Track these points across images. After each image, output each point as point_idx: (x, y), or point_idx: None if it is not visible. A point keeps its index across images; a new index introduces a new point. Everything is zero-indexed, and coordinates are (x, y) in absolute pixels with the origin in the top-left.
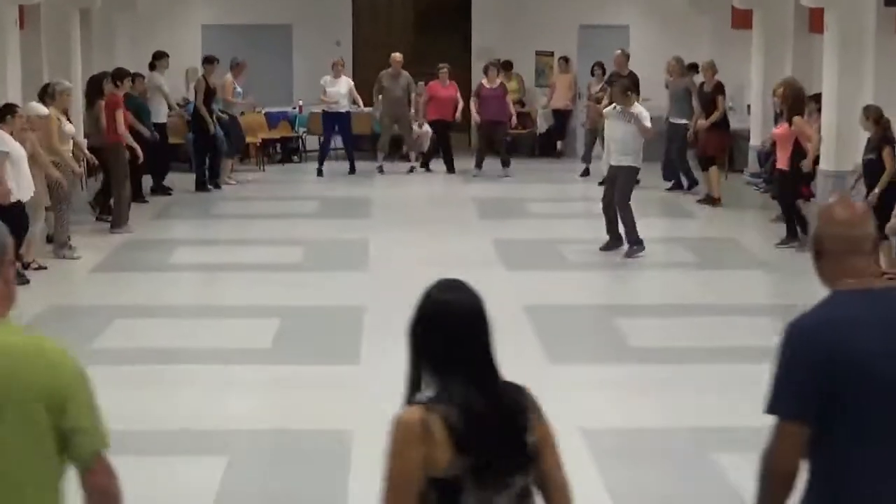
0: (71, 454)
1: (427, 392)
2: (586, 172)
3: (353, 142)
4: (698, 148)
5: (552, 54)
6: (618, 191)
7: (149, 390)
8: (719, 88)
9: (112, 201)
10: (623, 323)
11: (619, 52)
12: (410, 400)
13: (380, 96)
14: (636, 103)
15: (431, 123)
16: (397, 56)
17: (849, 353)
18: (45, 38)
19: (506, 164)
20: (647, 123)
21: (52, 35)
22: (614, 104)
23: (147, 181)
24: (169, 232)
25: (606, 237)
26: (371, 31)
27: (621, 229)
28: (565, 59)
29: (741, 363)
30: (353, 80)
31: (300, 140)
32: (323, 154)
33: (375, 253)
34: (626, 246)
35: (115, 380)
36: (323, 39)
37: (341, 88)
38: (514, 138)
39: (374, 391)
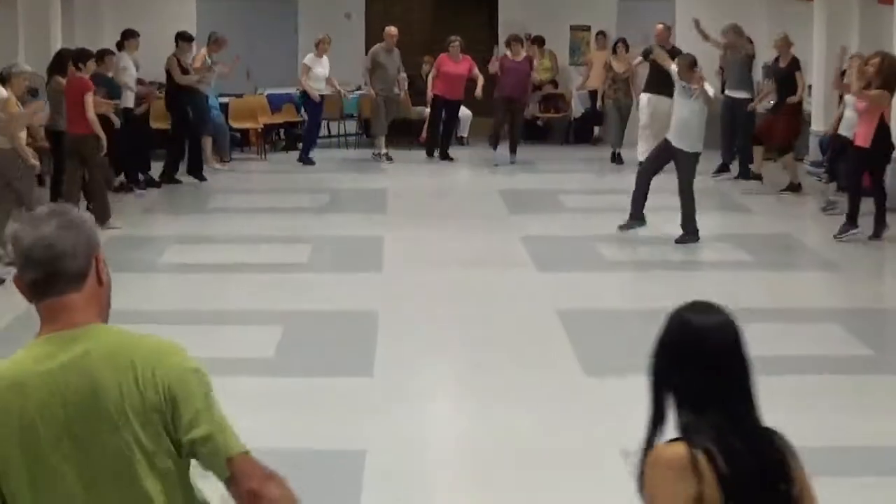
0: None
1: (676, 429)
2: (617, 158)
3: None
4: (765, 132)
5: (588, 29)
6: (679, 178)
7: None
8: (796, 64)
9: (82, 195)
10: None
11: (660, 25)
12: (653, 436)
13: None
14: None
15: (436, 101)
16: (392, 30)
17: None
18: (23, 14)
19: (513, 149)
20: (711, 94)
21: (30, 10)
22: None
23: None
24: (159, 228)
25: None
26: (386, 3)
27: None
28: (603, 35)
29: (806, 374)
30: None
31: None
32: (312, 141)
33: (391, 252)
34: (634, 224)
35: None
36: (332, 12)
37: (324, 69)
38: (546, 122)
39: (388, 407)
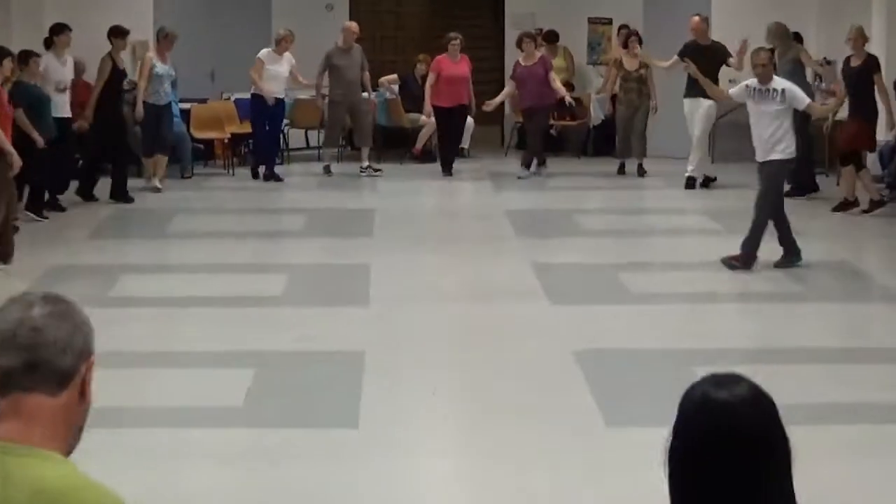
0: None
1: None
2: (640, 169)
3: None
4: (841, 140)
5: (610, 22)
6: (764, 190)
7: (86, 460)
8: (875, 64)
9: None
10: (704, 373)
11: (696, 17)
12: None
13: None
14: (774, 77)
15: (438, 111)
16: (352, 25)
17: None
18: None
19: (541, 161)
20: (803, 97)
21: None
22: (747, 83)
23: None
24: (109, 255)
25: (721, 258)
26: None
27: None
28: (627, 29)
29: (861, 423)
30: None
31: (282, 135)
32: (271, 151)
33: (379, 282)
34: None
35: None
36: (311, 3)
37: (282, 68)
38: (561, 131)
39: (376, 464)
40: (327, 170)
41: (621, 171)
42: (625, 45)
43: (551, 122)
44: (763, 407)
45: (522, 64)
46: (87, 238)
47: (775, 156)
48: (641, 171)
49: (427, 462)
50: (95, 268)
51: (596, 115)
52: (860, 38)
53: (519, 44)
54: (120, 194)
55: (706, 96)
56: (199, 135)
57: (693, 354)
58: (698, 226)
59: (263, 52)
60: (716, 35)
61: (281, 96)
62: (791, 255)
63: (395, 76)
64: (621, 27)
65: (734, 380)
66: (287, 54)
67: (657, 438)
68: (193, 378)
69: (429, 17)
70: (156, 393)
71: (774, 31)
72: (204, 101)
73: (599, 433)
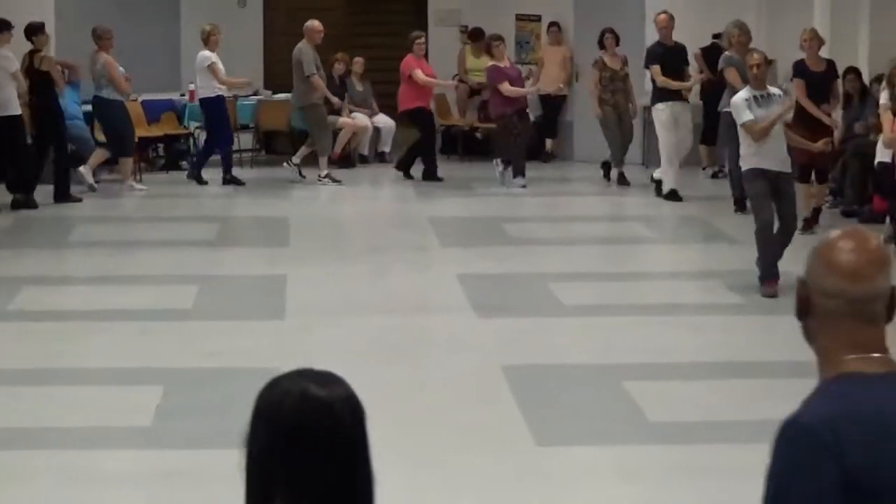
0: None
1: None
2: (621, 179)
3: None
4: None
5: (539, 19)
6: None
7: None
8: (834, 69)
9: None
10: (636, 388)
11: (665, 14)
12: None
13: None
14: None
15: (412, 114)
16: (315, 24)
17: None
18: None
19: (512, 166)
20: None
21: None
22: (744, 97)
23: None
24: (8, 266)
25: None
26: None
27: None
28: (557, 27)
29: None
30: (265, 55)
31: (192, 138)
32: (217, 151)
33: (296, 295)
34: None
35: None
36: None
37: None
38: (486, 135)
39: None
40: (325, 179)
41: (623, 180)
42: (601, 45)
43: (477, 124)
44: (358, 410)
45: (501, 66)
46: None
47: (789, 168)
48: (624, 180)
49: None
50: None
51: None
52: (815, 40)
53: (488, 48)
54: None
55: (664, 100)
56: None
57: (626, 370)
58: (633, 234)
59: (206, 54)
60: (650, 31)
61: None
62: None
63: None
64: (551, 25)
65: (333, 379)
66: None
67: (588, 456)
68: (99, 396)
69: (347, 14)
70: (59, 412)
71: (737, 33)
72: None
73: (529, 452)
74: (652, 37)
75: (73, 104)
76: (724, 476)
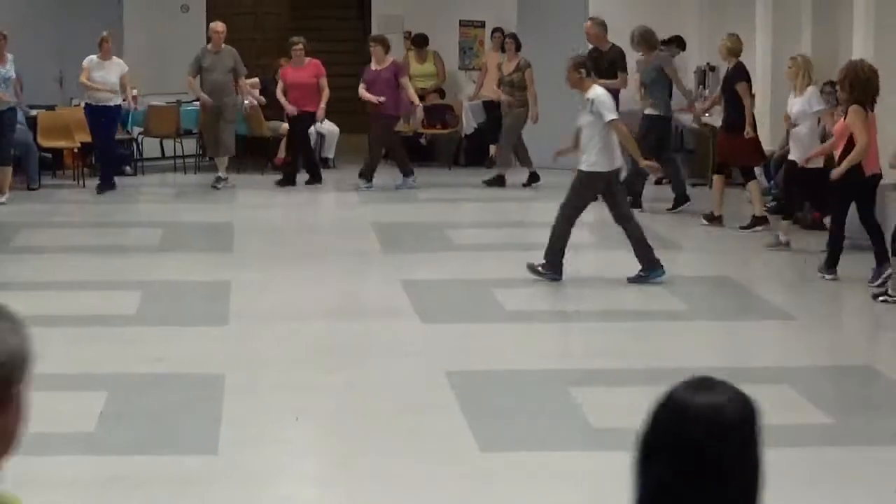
0: None
1: None
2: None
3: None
4: (720, 153)
5: (483, 25)
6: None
7: None
8: (742, 73)
9: None
10: (581, 394)
11: (589, 21)
12: None
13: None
14: (594, 85)
15: (288, 118)
16: (216, 25)
17: None
18: None
19: (408, 172)
20: (608, 113)
21: None
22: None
23: None
24: None
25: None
26: None
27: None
28: (501, 33)
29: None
30: None
31: (135, 144)
32: (106, 160)
33: (239, 300)
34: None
35: None
36: (166, 3)
37: (110, 74)
38: (431, 140)
39: (238, 491)
40: (221, 182)
41: (535, 179)
42: (502, 49)
43: (421, 130)
44: (727, 417)
45: (373, 68)
46: None
47: (581, 166)
48: (534, 178)
49: (292, 490)
50: None
51: (468, 122)
52: (729, 46)
53: (372, 47)
54: None
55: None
56: (46, 144)
57: (570, 375)
58: (574, 239)
59: (89, 59)
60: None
61: (109, 104)
62: (649, 270)
63: (256, 80)
64: (495, 30)
65: (709, 385)
66: (117, 59)
67: (532, 462)
68: (41, 402)
69: (289, 19)
70: None
71: (638, 36)
72: (52, 107)
73: (473, 458)
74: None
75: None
76: None
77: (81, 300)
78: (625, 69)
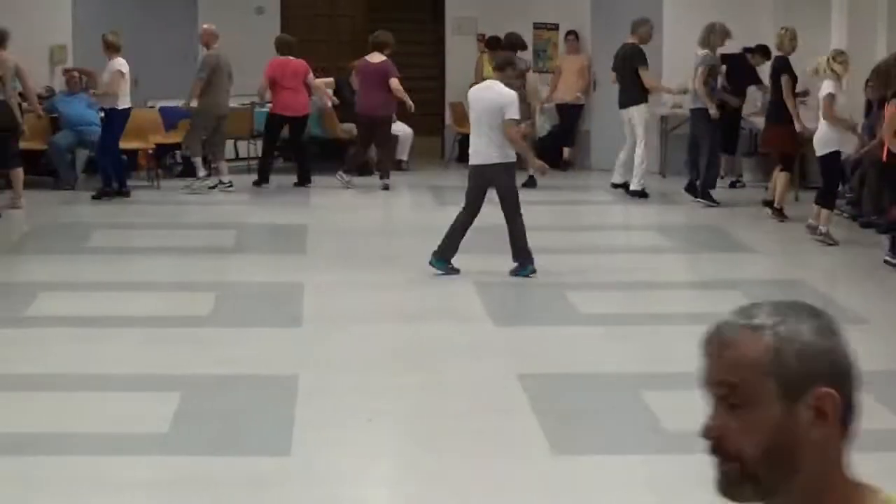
0: None
1: None
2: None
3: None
4: (762, 142)
5: (556, 28)
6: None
7: (1, 490)
8: (784, 65)
9: None
10: (654, 397)
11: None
12: None
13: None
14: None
15: (274, 119)
16: (210, 27)
17: None
18: None
19: (383, 174)
20: (510, 112)
21: None
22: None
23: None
24: (25, 272)
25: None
26: None
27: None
28: (575, 36)
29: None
30: None
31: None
32: (108, 165)
33: (313, 302)
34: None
35: None
36: (240, 6)
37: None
38: None
39: (310, 493)
40: (195, 184)
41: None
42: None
43: None
44: None
45: (370, 61)
46: (1, 253)
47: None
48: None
49: (364, 492)
50: (10, 285)
51: (542, 125)
52: (793, 39)
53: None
54: None
55: (636, 102)
56: (122, 145)
57: (643, 378)
58: (648, 243)
59: (120, 61)
60: (667, 39)
61: (118, 107)
62: (526, 265)
63: (331, 79)
64: (569, 33)
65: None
66: (120, 59)
67: (604, 466)
68: (116, 403)
69: (364, 21)
70: (76, 419)
71: (718, 29)
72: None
73: (545, 460)
74: (669, 44)
75: (89, 111)
76: None
77: (155, 301)
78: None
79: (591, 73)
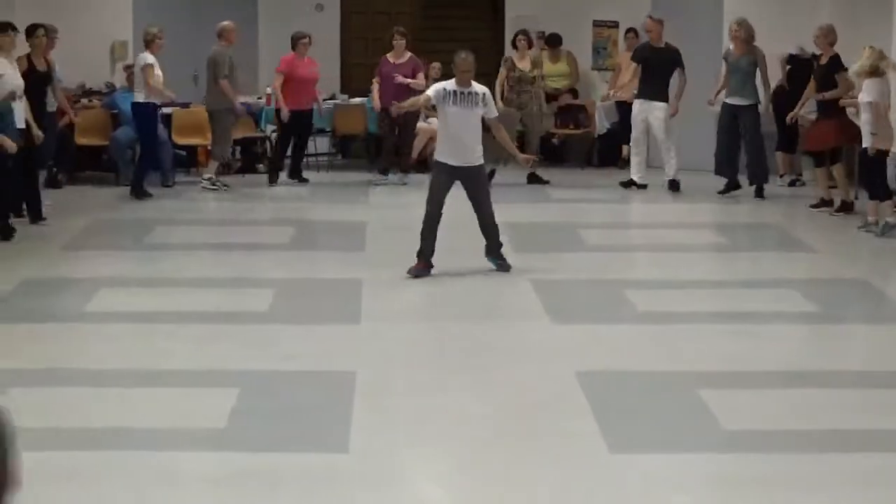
0: None
1: None
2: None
3: (343, 144)
4: (809, 140)
5: (616, 25)
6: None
7: (68, 484)
8: (837, 63)
9: None
10: (712, 396)
11: (648, 18)
12: None
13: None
14: (473, 82)
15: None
16: (229, 24)
17: None
18: None
19: (383, 171)
20: (494, 110)
21: None
22: (444, 85)
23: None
24: (85, 268)
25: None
26: None
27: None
28: (634, 33)
29: (865, 452)
30: (342, 60)
31: (268, 142)
32: (154, 163)
33: (371, 299)
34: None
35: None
36: (300, 3)
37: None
38: (564, 141)
39: (368, 490)
40: (216, 184)
41: (535, 179)
42: (514, 46)
43: (554, 130)
44: None
45: (391, 61)
46: (62, 249)
47: (478, 161)
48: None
49: (421, 490)
50: (71, 281)
51: (601, 123)
52: (825, 36)
53: (391, 40)
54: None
55: (660, 99)
56: (180, 141)
57: (701, 376)
58: (706, 241)
59: (144, 56)
60: (726, 40)
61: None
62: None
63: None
64: (628, 31)
65: None
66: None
67: (662, 464)
68: (174, 398)
69: (422, 18)
70: (134, 413)
71: (737, 29)
72: (186, 105)
73: (602, 459)
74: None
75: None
76: (796, 486)
77: (214, 297)
78: (683, 66)
79: None
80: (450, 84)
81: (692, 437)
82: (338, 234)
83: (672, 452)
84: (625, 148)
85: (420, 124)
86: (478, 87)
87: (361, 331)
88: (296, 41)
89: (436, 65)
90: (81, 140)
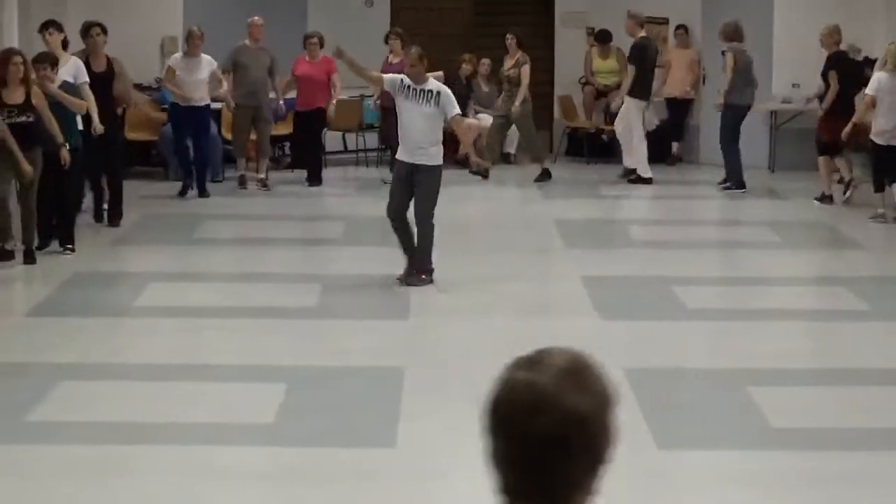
0: None
1: None
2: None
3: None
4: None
5: (666, 22)
6: (425, 195)
7: (116, 478)
8: (835, 61)
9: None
10: (760, 393)
11: (629, 11)
12: None
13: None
14: (431, 78)
15: (295, 115)
16: (257, 20)
17: None
18: None
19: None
20: (454, 108)
21: None
22: (402, 77)
23: None
24: (134, 262)
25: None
26: None
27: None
28: (685, 30)
29: None
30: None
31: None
32: (184, 166)
33: (420, 295)
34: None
35: (67, 466)
36: None
37: (200, 73)
38: (613, 136)
39: (415, 485)
40: (241, 181)
41: (547, 175)
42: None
43: (602, 126)
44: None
45: (392, 62)
46: (112, 243)
47: (428, 161)
48: (545, 176)
49: (468, 486)
50: (121, 275)
51: (650, 120)
52: (830, 35)
53: (386, 40)
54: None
55: (634, 96)
56: (229, 136)
57: (750, 374)
58: (757, 237)
59: (174, 58)
60: (778, 35)
61: (199, 104)
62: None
63: (440, 73)
64: (678, 27)
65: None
66: (205, 56)
67: (710, 461)
68: (222, 393)
69: (473, 14)
70: (182, 408)
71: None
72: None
73: (650, 455)
74: (779, 37)
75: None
76: (845, 483)
77: (262, 292)
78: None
79: (701, 68)
80: (407, 77)
81: (740, 435)
82: (387, 230)
83: (719, 449)
84: (674, 145)
85: (469, 120)
86: (434, 85)
87: (410, 327)
88: (303, 41)
89: (485, 61)
90: (131, 135)
